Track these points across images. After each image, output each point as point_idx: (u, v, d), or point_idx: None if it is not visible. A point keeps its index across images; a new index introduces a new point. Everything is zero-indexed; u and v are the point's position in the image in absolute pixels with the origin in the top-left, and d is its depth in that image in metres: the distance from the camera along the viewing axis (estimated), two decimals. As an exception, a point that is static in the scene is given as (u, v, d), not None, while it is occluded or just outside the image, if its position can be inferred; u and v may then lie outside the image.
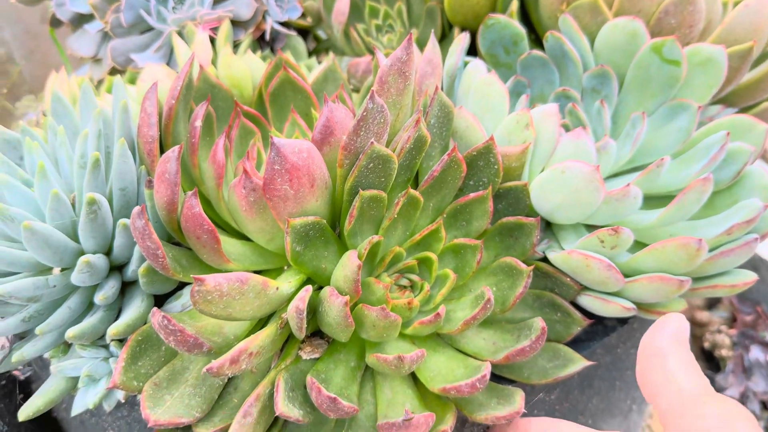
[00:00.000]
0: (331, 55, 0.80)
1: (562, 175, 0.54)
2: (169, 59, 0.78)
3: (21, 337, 0.63)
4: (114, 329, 0.50)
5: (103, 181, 0.54)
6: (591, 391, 0.66)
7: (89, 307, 0.57)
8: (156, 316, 0.47)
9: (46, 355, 0.58)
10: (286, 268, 0.59)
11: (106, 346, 0.55)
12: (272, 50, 0.83)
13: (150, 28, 0.78)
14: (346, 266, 0.50)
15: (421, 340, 0.57)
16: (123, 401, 0.54)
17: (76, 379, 0.55)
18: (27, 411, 0.52)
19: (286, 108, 0.68)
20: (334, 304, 0.49)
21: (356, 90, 0.74)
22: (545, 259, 0.61)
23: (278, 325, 0.51)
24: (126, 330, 0.51)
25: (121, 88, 0.60)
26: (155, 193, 0.51)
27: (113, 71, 0.83)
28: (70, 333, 0.50)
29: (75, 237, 0.54)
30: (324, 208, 0.53)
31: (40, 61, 2.43)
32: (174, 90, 0.57)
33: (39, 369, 0.67)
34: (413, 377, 0.57)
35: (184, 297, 0.57)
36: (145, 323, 0.54)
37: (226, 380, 0.54)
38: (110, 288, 0.54)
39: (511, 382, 0.58)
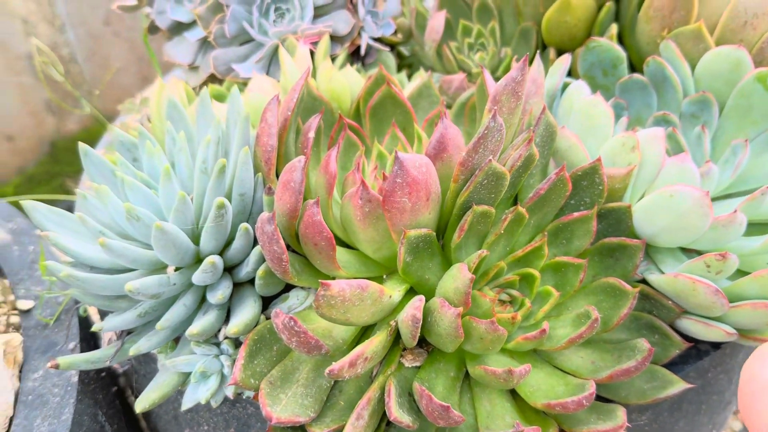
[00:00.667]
0: (420, 71, 0.82)
1: (670, 199, 0.55)
2: (267, 70, 0.81)
3: (128, 332, 0.65)
4: (235, 328, 0.52)
5: (224, 187, 0.57)
6: (679, 413, 0.66)
7: (198, 305, 0.59)
8: (280, 317, 0.49)
9: (154, 351, 0.60)
10: (385, 277, 0.61)
11: (217, 344, 0.58)
12: (363, 65, 0.85)
13: (250, 40, 0.81)
14: (457, 279, 0.51)
15: (520, 355, 0.58)
16: (232, 398, 0.57)
17: (186, 375, 0.58)
18: (143, 404, 0.55)
19: (385, 122, 0.70)
20: (445, 315, 0.50)
21: (448, 106, 0.76)
22: (641, 281, 0.62)
23: (388, 332, 0.53)
24: (244, 329, 0.53)
25: (237, 98, 0.63)
26: (277, 200, 0.53)
27: (210, 79, 0.86)
28: (194, 330, 0.52)
29: (194, 238, 0.57)
30: (433, 220, 0.55)
31: (99, 63, 2.52)
32: (290, 102, 0.59)
33: (137, 362, 0.70)
34: (510, 391, 0.58)
35: (291, 300, 0.60)
36: (257, 324, 0.56)
37: (332, 383, 0.55)
38: (226, 288, 0.56)
39: (606, 401, 0.58)
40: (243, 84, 0.83)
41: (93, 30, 2.49)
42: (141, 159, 0.65)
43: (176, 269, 0.58)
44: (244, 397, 0.59)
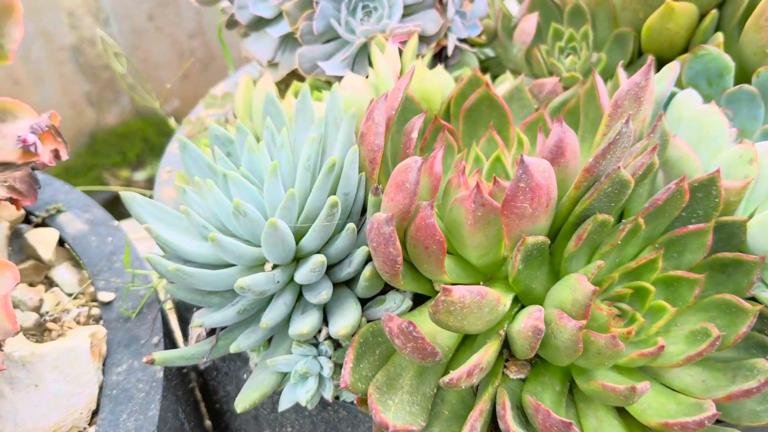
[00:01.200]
0: (507, 74, 0.80)
1: (795, 215, 0.52)
2: (352, 68, 0.79)
3: (221, 329, 0.64)
4: (343, 330, 0.51)
5: (329, 185, 0.55)
6: (780, 439, 0.64)
7: (294, 305, 0.58)
8: (395, 321, 0.47)
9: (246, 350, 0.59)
10: (482, 284, 0.59)
11: (315, 345, 0.56)
12: (446, 66, 0.83)
13: (336, 37, 0.80)
14: (577, 290, 0.50)
15: (628, 371, 0.56)
16: (330, 401, 0.55)
17: (283, 375, 0.56)
18: (243, 404, 0.54)
19: (479, 124, 0.68)
20: (565, 328, 0.48)
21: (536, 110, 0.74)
22: (750, 299, 0.59)
23: (500, 342, 0.51)
24: (351, 331, 0.51)
25: (337, 96, 0.61)
26: (388, 201, 0.52)
27: (288, 77, 0.85)
28: (304, 329, 0.51)
29: (296, 236, 0.55)
30: (547, 228, 0.53)
31: (141, 57, 2.53)
32: (394, 101, 0.58)
33: (220, 360, 0.69)
34: (616, 408, 0.56)
35: (388, 303, 0.58)
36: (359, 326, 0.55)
37: (435, 391, 0.54)
38: (328, 288, 0.55)
39: (716, 421, 0.56)
40: (325, 82, 0.82)
41: (136, 24, 2.51)
42: (237, 154, 0.64)
43: (273, 267, 0.57)
44: (340, 400, 0.57)
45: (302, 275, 0.53)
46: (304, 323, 0.52)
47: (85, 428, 0.63)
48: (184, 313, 0.72)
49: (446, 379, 0.46)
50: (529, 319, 0.49)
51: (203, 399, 0.79)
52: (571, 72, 0.77)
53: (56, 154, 0.66)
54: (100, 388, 0.64)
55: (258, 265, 0.58)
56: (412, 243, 0.52)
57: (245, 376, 0.65)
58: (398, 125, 0.65)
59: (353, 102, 0.69)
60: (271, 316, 0.54)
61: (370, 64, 0.80)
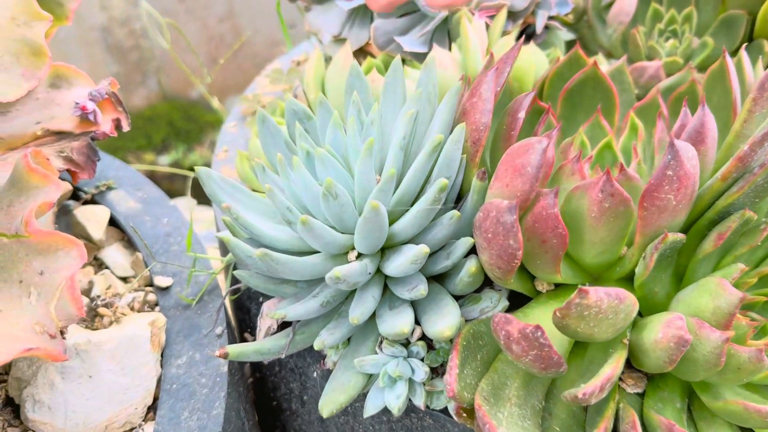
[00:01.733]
0: (599, 56, 0.74)
1: None
2: (429, 45, 0.73)
3: (284, 324, 0.59)
4: (448, 330, 0.45)
5: (429, 167, 0.49)
6: None
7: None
8: (514, 324, 0.41)
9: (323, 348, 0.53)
10: (588, 285, 0.53)
11: (405, 345, 0.50)
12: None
13: (414, 11, 0.74)
14: (720, 296, 0.43)
15: (754, 389, 0.50)
16: (422, 408, 0.49)
17: (368, 376, 0.51)
18: (330, 407, 0.48)
19: (579, 107, 0.62)
20: (708, 340, 0.42)
21: (638, 97, 0.68)
22: None
23: (626, 352, 0.45)
24: (454, 333, 0.45)
25: (433, 70, 0.55)
26: (502, 186, 0.46)
27: (357, 53, 0.79)
28: (403, 328, 0.45)
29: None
30: (682, 224, 0.47)
31: (170, 39, 2.48)
32: (500, 77, 0.51)
33: (287, 356, 0.63)
34: (741, 428, 0.49)
35: (484, 302, 0.52)
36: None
37: (542, 404, 0.48)
38: (421, 282, 0.49)
39: None
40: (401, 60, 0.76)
41: (167, 6, 2.46)
42: (314, 132, 0.58)
43: (358, 255, 0.51)
44: (429, 408, 0.51)
45: (397, 267, 0.47)
46: (401, 322, 0.46)
47: (140, 425, 0.57)
48: (245, 301, 0.67)
49: (579, 394, 0.40)
50: (669, 329, 0.42)
51: (256, 394, 0.74)
52: (672, 57, 0.70)
53: (117, 124, 0.61)
54: (158, 382, 0.59)
55: (342, 254, 0.52)
56: (526, 236, 0.46)
57: (315, 374, 0.60)
58: (496, 105, 0.58)
59: (440, 79, 0.63)
60: (361, 311, 0.48)
61: (450, 41, 0.74)
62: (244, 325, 0.69)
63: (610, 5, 0.76)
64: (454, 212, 0.47)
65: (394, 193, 0.51)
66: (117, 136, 0.60)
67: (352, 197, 0.51)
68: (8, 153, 0.60)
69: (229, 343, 0.61)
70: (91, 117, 0.60)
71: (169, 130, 3.00)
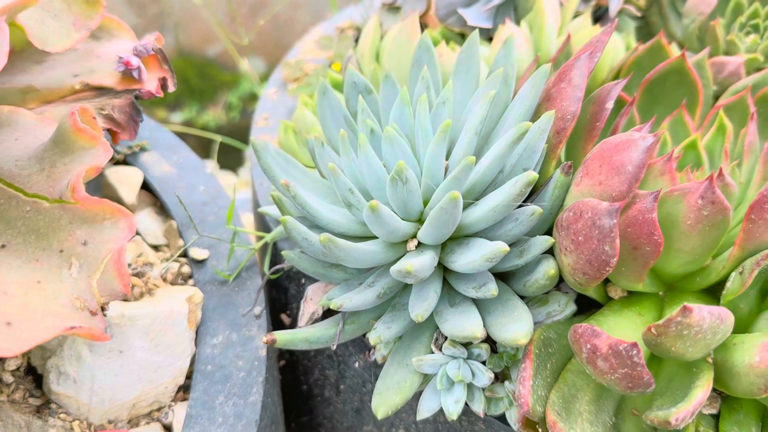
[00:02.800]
0: (674, 47, 0.69)
1: None
2: (494, 20, 0.69)
3: (331, 309, 0.55)
4: (523, 338, 0.41)
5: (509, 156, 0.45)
6: None
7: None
8: (603, 338, 0.38)
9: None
10: (662, 294, 0.49)
11: (465, 345, 0.47)
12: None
13: (480, -18, 0.69)
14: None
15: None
16: (482, 415, 0.46)
17: (423, 375, 0.47)
18: (385, 408, 0.45)
19: (659, 100, 0.58)
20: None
21: (715, 94, 0.63)
22: None
23: (712, 372, 0.42)
24: (528, 339, 0.42)
25: (512, 48, 0.51)
26: (595, 185, 0.42)
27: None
28: (475, 332, 0.41)
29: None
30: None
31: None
32: (593, 62, 0.47)
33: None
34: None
35: (551, 305, 0.48)
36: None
37: (613, 420, 0.44)
38: (490, 281, 0.45)
39: None
40: (458, 34, 0.71)
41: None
42: (375, 107, 0.54)
43: (418, 245, 0.48)
44: (487, 414, 0.48)
45: (467, 264, 0.43)
46: (470, 323, 0.43)
47: (169, 405, 0.54)
48: (283, 281, 0.63)
49: (672, 419, 0.36)
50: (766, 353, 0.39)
51: (283, 376, 0.71)
52: (753, 54, 0.65)
53: (163, 84, 0.57)
54: (192, 361, 0.55)
55: (401, 242, 0.48)
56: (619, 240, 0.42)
57: (356, 364, 0.56)
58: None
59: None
60: (424, 308, 0.44)
61: (516, 19, 0.69)
62: (279, 304, 0.65)
63: (686, -8, 0.71)
64: (536, 208, 0.43)
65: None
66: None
67: (419, 183, 0.47)
68: (44, 106, 0.55)
69: (267, 324, 0.57)
70: (135, 74, 0.55)
71: (183, 88, 2.94)
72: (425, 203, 0.48)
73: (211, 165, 1.25)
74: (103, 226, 0.41)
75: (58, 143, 0.43)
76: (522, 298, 0.49)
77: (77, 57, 0.59)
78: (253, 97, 2.59)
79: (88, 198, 0.39)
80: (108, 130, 0.53)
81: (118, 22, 0.61)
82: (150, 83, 0.56)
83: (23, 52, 0.58)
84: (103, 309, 0.42)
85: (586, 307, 0.50)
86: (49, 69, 0.58)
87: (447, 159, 0.50)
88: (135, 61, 0.55)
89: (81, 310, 0.41)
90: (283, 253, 0.51)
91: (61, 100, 0.57)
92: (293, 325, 0.63)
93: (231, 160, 1.47)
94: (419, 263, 0.41)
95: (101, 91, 0.57)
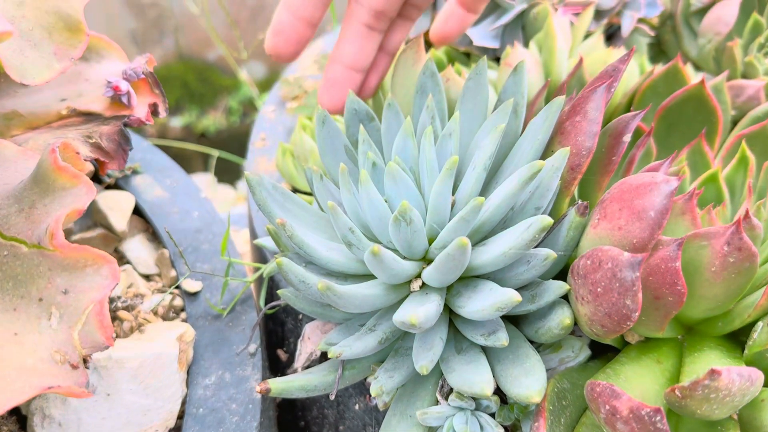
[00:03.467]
0: (689, 68, 0.66)
1: None
2: (501, 41, 0.66)
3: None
4: (537, 395, 0.38)
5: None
6: None
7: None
8: (624, 401, 0.35)
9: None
10: (680, 337, 0.47)
11: (473, 397, 0.44)
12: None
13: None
14: None
15: None
16: (491, 475, 0.43)
17: (428, 428, 0.44)
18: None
19: (676, 128, 0.55)
20: None
21: (734, 119, 0.60)
22: None
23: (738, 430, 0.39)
24: (543, 394, 0.39)
25: (523, 75, 0.48)
26: (614, 230, 0.39)
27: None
28: (485, 389, 0.38)
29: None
30: (812, 287, 0.40)
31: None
32: (609, 93, 0.44)
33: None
34: None
35: (565, 350, 0.46)
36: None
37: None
38: (500, 328, 0.43)
39: None
40: (463, 53, 0.68)
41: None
42: (378, 134, 0.51)
43: (422, 285, 0.45)
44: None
45: (476, 312, 0.41)
46: (479, 378, 0.40)
47: (160, 448, 0.51)
48: (280, 314, 0.60)
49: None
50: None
51: (280, 410, 0.68)
52: (771, 75, 0.62)
53: (154, 110, 0.54)
54: (183, 402, 0.52)
55: (404, 283, 0.45)
56: (635, 288, 0.39)
57: (357, 406, 0.53)
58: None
59: (519, 84, 0.55)
60: (429, 359, 0.41)
61: (525, 38, 0.66)
62: (275, 338, 0.62)
63: (701, 11, 0.68)
64: (549, 252, 0.40)
65: (472, 219, 0.44)
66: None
67: (423, 221, 0.44)
68: (29, 133, 0.53)
69: (262, 362, 0.54)
70: (124, 99, 0.52)
71: (183, 92, 2.91)
72: (430, 241, 0.45)
73: (209, 178, 1.23)
74: (84, 273, 0.38)
75: (38, 182, 0.40)
76: (532, 342, 0.46)
77: (65, 80, 0.56)
78: (253, 103, 2.56)
79: (67, 245, 0.36)
80: (95, 159, 0.50)
81: (107, 42, 0.58)
82: (140, 109, 0.53)
83: (6, 75, 0.55)
84: (85, 361, 0.39)
85: (601, 349, 0.47)
86: (35, 92, 0.55)
87: (453, 194, 0.47)
88: (124, 86, 0.53)
89: (61, 363, 0.38)
90: (279, 292, 0.48)
91: (47, 126, 0.54)
92: (290, 360, 0.60)
93: (230, 171, 1.45)
94: (424, 314, 0.38)
95: (89, 117, 0.54)
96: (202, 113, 2.79)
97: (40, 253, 0.38)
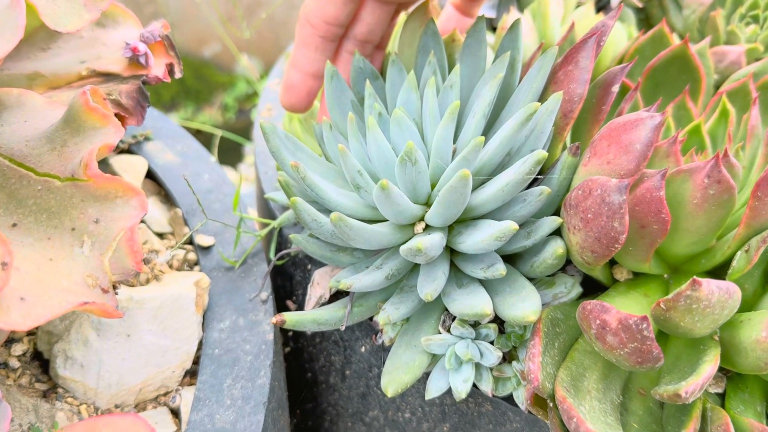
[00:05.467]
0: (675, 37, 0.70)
1: None
2: (497, 10, 0.69)
3: (338, 294, 0.55)
4: (532, 315, 0.41)
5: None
6: None
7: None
8: (613, 314, 0.38)
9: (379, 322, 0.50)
10: (667, 276, 0.50)
11: (473, 325, 0.47)
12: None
13: (483, -27, 0.69)
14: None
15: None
16: (490, 395, 0.46)
17: (432, 355, 0.47)
18: (395, 386, 0.45)
19: (661, 87, 0.58)
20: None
21: (716, 83, 0.64)
22: None
23: (719, 349, 0.42)
24: (537, 317, 0.42)
25: (518, 32, 0.51)
26: (603, 164, 0.42)
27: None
28: (485, 309, 0.42)
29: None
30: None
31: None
32: (599, 46, 0.48)
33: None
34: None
35: (558, 286, 0.49)
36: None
37: (620, 398, 0.45)
38: (497, 261, 0.46)
39: None
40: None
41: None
42: (383, 91, 0.54)
43: (426, 228, 0.48)
44: (494, 394, 0.48)
45: (476, 243, 0.44)
46: (480, 302, 0.43)
47: (176, 389, 0.54)
48: (289, 268, 0.63)
49: (681, 392, 0.37)
50: (776, 329, 0.39)
51: (288, 365, 0.71)
52: (753, 44, 0.66)
53: (170, 69, 0.57)
54: (199, 345, 0.55)
55: (409, 225, 0.48)
56: (622, 218, 0.43)
57: (363, 348, 0.56)
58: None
59: (515, 46, 0.59)
60: (433, 288, 0.45)
61: (519, 7, 0.70)
62: (284, 291, 0.65)
63: (687, -17, 0.72)
64: (544, 188, 0.44)
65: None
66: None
67: (428, 164, 0.47)
68: (51, 92, 0.56)
69: (273, 309, 0.57)
70: (142, 60, 0.55)
71: (179, 89, 2.93)
72: (433, 186, 0.48)
73: (212, 160, 1.25)
74: (114, 204, 0.41)
75: (69, 123, 0.43)
76: (529, 279, 0.50)
77: (83, 44, 0.59)
78: (249, 98, 2.59)
79: (101, 175, 0.40)
80: (116, 115, 0.53)
81: (123, 10, 0.61)
82: (157, 69, 0.56)
83: (29, 38, 0.58)
84: (114, 287, 0.42)
85: (592, 290, 0.50)
86: (55, 56, 0.58)
87: (455, 143, 0.50)
88: (142, 47, 0.56)
89: (93, 287, 0.41)
90: (290, 236, 0.51)
91: (67, 86, 0.57)
92: (299, 310, 0.63)
93: (230, 157, 1.48)
94: (429, 242, 0.41)
95: (108, 77, 0.57)
96: (198, 110, 2.82)
97: (74, 185, 0.41)
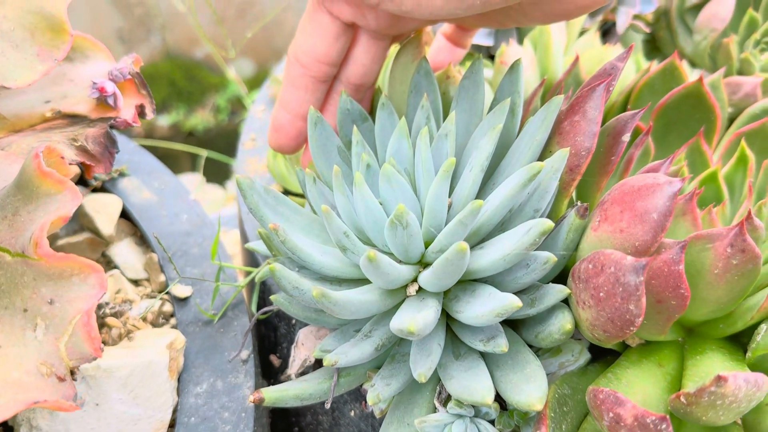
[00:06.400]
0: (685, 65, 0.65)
1: None
2: (495, 38, 0.65)
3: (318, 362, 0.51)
4: (539, 403, 0.37)
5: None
6: None
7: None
8: (628, 408, 0.34)
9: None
10: (681, 340, 0.46)
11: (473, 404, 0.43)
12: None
13: None
14: None
15: None
16: (494, 483, 0.42)
17: (425, 435, 0.43)
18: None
19: (673, 127, 0.54)
20: None
21: (731, 117, 0.60)
22: None
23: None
24: (544, 401, 0.38)
25: (519, 74, 0.47)
26: (616, 232, 0.38)
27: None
28: (484, 398, 0.37)
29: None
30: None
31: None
32: (608, 92, 0.43)
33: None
34: None
35: (564, 354, 0.45)
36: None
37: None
38: (499, 333, 0.42)
39: None
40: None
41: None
42: (371, 135, 0.50)
43: (418, 290, 0.44)
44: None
45: (475, 317, 0.40)
46: (479, 386, 0.39)
47: (151, 459, 0.50)
48: (273, 319, 0.59)
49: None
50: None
51: (273, 415, 0.67)
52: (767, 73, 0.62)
53: (140, 111, 0.52)
54: (175, 410, 0.51)
55: (400, 288, 0.44)
56: (636, 291, 0.38)
57: (352, 413, 0.52)
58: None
59: (514, 82, 0.54)
60: (427, 366, 0.40)
61: (519, 36, 0.65)
62: (268, 343, 0.61)
63: (696, 7, 0.67)
64: (549, 256, 0.39)
65: (469, 222, 0.43)
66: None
67: (420, 224, 0.43)
68: (12, 136, 0.51)
69: (254, 369, 0.53)
70: (110, 101, 0.51)
71: (171, 90, 2.88)
72: (426, 245, 0.44)
73: (197, 178, 1.21)
74: (71, 283, 0.36)
75: (21, 188, 0.38)
76: (531, 346, 0.45)
77: (48, 81, 0.54)
78: (241, 101, 2.54)
79: (52, 254, 0.35)
80: (81, 163, 0.49)
81: (93, 42, 0.56)
82: (126, 111, 0.51)
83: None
84: (72, 373, 0.38)
85: (600, 352, 0.46)
86: (18, 94, 0.54)
87: (449, 195, 0.46)
88: (110, 87, 0.51)
89: (48, 376, 0.36)
90: (271, 297, 0.47)
91: (31, 128, 0.53)
92: (283, 366, 0.59)
93: (218, 171, 1.43)
94: (422, 321, 0.37)
95: (74, 119, 0.53)
96: (189, 111, 2.76)
97: (24, 263, 0.36)
